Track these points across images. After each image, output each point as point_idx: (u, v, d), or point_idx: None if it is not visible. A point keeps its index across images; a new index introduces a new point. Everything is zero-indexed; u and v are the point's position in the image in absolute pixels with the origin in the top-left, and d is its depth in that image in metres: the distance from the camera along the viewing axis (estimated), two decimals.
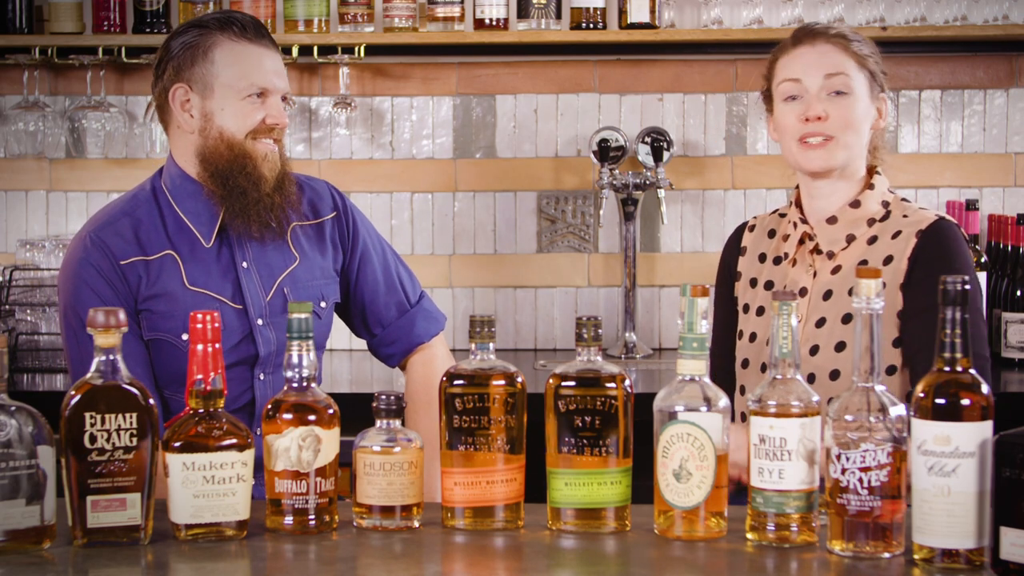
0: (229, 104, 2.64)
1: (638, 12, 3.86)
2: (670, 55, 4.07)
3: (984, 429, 1.89)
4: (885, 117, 2.70)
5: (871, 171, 2.70)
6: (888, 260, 2.60)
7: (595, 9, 3.86)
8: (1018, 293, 3.83)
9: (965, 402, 1.88)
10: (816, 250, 2.68)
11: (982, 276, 3.81)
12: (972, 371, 1.91)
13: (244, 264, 2.70)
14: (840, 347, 2.60)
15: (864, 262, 2.61)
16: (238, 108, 2.64)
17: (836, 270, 2.65)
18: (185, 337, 2.59)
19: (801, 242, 2.70)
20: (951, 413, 1.88)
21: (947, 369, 1.90)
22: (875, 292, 1.96)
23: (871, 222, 2.65)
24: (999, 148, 4.07)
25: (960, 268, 2.56)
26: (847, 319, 2.60)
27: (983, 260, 3.83)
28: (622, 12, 3.88)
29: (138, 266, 2.64)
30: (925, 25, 3.90)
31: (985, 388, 1.90)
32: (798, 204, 2.73)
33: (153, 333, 2.65)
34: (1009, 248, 3.86)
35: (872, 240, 2.64)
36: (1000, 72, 4.06)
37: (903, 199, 2.70)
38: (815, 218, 2.69)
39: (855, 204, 2.66)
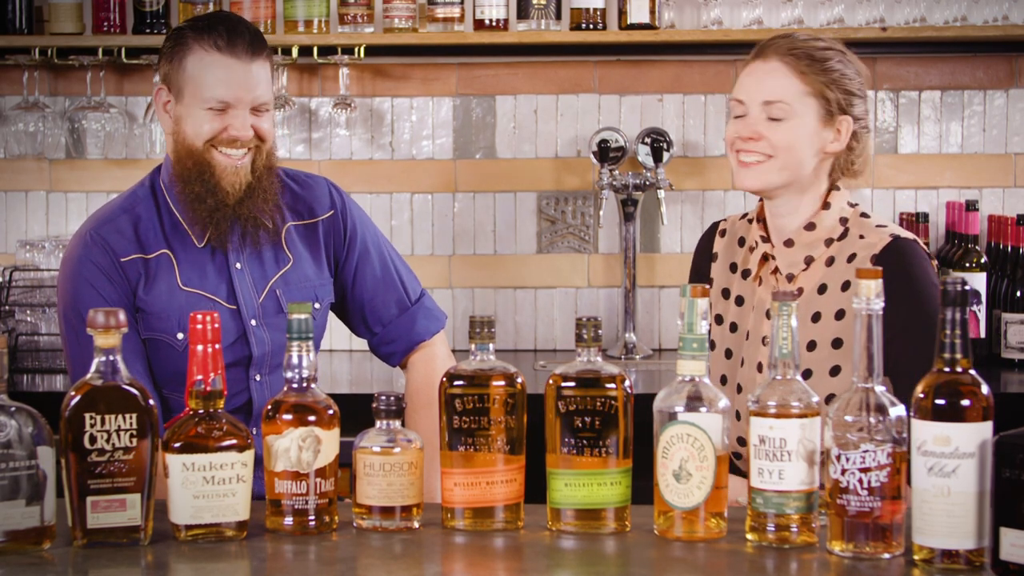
0: (192, 111, 2.65)
1: (638, 13, 3.86)
2: (670, 55, 4.07)
3: (984, 429, 1.89)
4: (843, 140, 2.59)
5: (832, 187, 2.63)
6: (846, 286, 2.54)
7: (595, 10, 3.86)
8: (1018, 293, 3.83)
9: (965, 403, 1.88)
10: (777, 271, 2.63)
11: (982, 276, 3.81)
12: (972, 371, 1.91)
13: (238, 265, 2.71)
14: (807, 375, 2.53)
15: (824, 287, 2.56)
16: (198, 116, 2.65)
17: (798, 293, 2.57)
18: (180, 336, 2.62)
19: (764, 259, 2.65)
20: (951, 414, 1.88)
21: (947, 370, 1.90)
22: (875, 292, 1.96)
23: (828, 242, 2.59)
24: (999, 148, 4.07)
25: (920, 288, 2.50)
26: (811, 346, 2.55)
27: (983, 260, 3.83)
28: (622, 13, 3.88)
29: (138, 263, 2.66)
30: (925, 25, 3.90)
31: (985, 388, 1.90)
32: (761, 219, 2.67)
33: (149, 333, 2.66)
34: (1009, 248, 3.85)
35: (830, 261, 2.58)
36: (1000, 72, 4.06)
37: (863, 214, 2.62)
38: (776, 237, 2.64)
39: (810, 227, 2.59)
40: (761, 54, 2.61)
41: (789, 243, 2.62)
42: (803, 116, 2.56)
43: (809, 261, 2.60)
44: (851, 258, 2.56)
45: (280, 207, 2.77)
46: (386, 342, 2.88)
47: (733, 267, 2.73)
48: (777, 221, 2.63)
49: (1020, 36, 3.85)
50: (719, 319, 2.72)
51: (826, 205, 2.61)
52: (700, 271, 2.79)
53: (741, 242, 2.74)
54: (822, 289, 2.57)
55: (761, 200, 2.68)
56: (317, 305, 2.78)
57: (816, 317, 2.56)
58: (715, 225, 2.81)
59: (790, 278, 2.60)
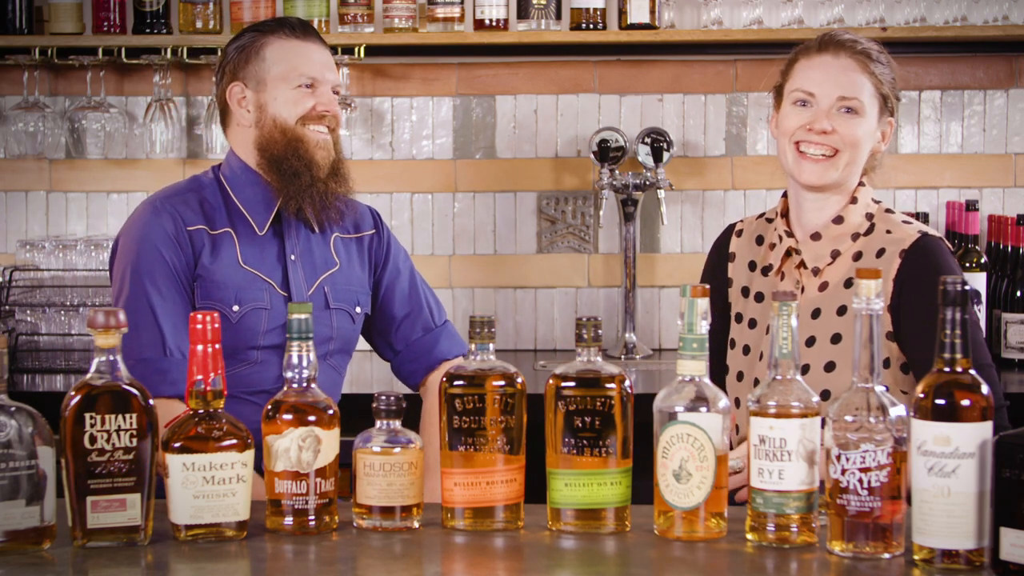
0: (281, 93, 2.81)
1: (638, 12, 3.86)
2: (670, 55, 4.07)
3: (984, 429, 1.89)
4: (888, 140, 2.69)
5: (859, 183, 2.67)
6: None
7: (595, 10, 3.86)
8: (1018, 293, 3.82)
9: (965, 403, 1.88)
10: (802, 265, 2.65)
11: (982, 276, 3.81)
12: (972, 371, 1.91)
13: (292, 257, 2.85)
14: (830, 367, 2.57)
15: (850, 280, 2.58)
16: (289, 96, 2.81)
17: (823, 287, 2.62)
18: (236, 308, 2.75)
19: (788, 254, 2.67)
20: (951, 414, 1.88)
21: (947, 370, 1.90)
22: (875, 292, 1.96)
23: (855, 236, 2.62)
24: (999, 149, 4.07)
25: None
26: (836, 339, 2.58)
27: (983, 260, 3.83)
28: (622, 12, 3.88)
29: (203, 234, 2.80)
30: (925, 25, 3.90)
31: (985, 388, 1.90)
32: (784, 215, 2.70)
33: (205, 301, 2.76)
34: (1009, 248, 3.85)
35: (857, 256, 2.61)
36: (1000, 72, 4.06)
37: (887, 210, 2.66)
38: (801, 232, 2.66)
39: (838, 220, 2.63)
40: (829, 49, 2.63)
41: (816, 236, 2.64)
42: (869, 115, 2.63)
43: (835, 255, 2.63)
44: (880, 253, 2.59)
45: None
46: (408, 360, 3.00)
47: (752, 265, 2.75)
48: (807, 216, 2.66)
49: (1020, 36, 3.85)
50: (739, 317, 2.74)
51: (853, 200, 2.65)
52: (716, 271, 2.81)
53: (759, 240, 2.76)
54: (848, 283, 2.59)
55: (785, 196, 2.71)
56: (358, 309, 2.93)
57: (842, 310, 2.59)
58: (731, 226, 2.84)
59: (815, 272, 2.63)
